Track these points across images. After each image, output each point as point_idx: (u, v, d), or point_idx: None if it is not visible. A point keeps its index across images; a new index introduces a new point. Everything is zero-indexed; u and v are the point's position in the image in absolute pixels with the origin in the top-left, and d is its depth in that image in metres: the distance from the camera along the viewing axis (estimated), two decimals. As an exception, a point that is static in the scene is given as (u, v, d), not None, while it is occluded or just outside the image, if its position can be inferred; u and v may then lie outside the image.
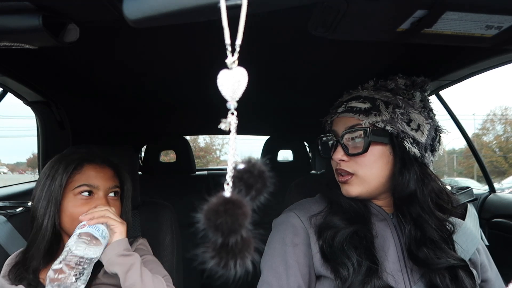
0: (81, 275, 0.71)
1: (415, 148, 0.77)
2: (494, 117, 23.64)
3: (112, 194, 0.90)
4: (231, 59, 0.28)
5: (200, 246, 0.27)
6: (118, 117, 1.78)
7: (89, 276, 0.73)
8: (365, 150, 0.76)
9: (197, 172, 2.39)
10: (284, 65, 1.14)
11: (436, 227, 0.76)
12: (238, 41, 0.28)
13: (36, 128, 1.49)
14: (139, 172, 2.17)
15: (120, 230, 0.82)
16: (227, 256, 0.26)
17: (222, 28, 0.28)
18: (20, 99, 1.34)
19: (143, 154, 2.29)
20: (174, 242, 1.11)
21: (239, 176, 0.27)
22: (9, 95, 1.29)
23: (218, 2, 0.29)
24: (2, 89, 1.26)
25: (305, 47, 0.97)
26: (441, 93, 1.39)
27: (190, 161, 2.27)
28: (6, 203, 1.10)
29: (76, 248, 0.72)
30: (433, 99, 1.39)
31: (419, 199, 0.76)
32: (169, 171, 2.25)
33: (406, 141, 0.77)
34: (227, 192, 0.27)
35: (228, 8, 0.29)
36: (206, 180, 2.29)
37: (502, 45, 0.62)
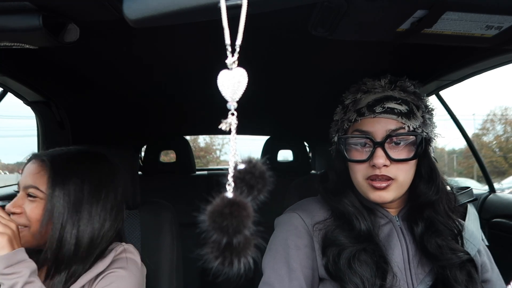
0: None
1: (433, 153, 0.78)
2: (494, 117, 23.65)
3: (29, 194, 0.78)
4: (231, 59, 0.28)
5: (203, 246, 0.27)
6: (118, 117, 1.78)
7: None
8: (418, 156, 0.74)
9: (197, 172, 2.39)
10: (284, 65, 1.14)
11: (447, 226, 0.77)
12: (238, 41, 0.28)
13: (36, 128, 1.49)
14: (139, 172, 2.17)
15: (0, 243, 0.68)
16: (231, 255, 0.27)
17: (222, 28, 0.28)
18: (20, 99, 1.34)
19: (143, 154, 2.29)
20: (174, 242, 1.11)
21: (240, 176, 0.28)
22: (9, 95, 1.29)
23: (218, 2, 0.29)
24: (2, 89, 1.26)
25: (305, 47, 0.97)
26: (441, 93, 1.39)
27: (190, 161, 2.26)
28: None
29: None
30: (433, 99, 1.40)
31: (436, 205, 0.77)
32: (169, 171, 2.25)
33: (431, 146, 0.78)
34: (230, 193, 0.27)
35: (228, 8, 0.29)
36: (206, 180, 2.29)
37: (502, 45, 0.62)
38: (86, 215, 0.79)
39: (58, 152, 0.84)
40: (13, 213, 0.76)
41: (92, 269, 0.78)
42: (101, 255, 0.81)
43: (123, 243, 0.87)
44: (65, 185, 0.77)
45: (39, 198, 0.77)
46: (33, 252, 0.75)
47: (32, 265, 0.71)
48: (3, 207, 0.77)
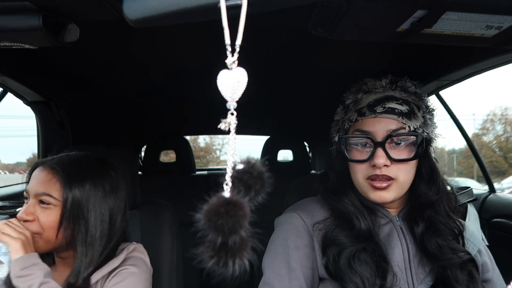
0: None
1: (433, 153, 0.79)
2: (494, 117, 23.65)
3: (42, 201, 0.78)
4: (231, 59, 0.28)
5: (200, 246, 0.27)
6: (118, 117, 1.78)
7: None
8: (418, 156, 0.75)
9: (197, 172, 2.39)
10: (284, 65, 1.14)
11: (448, 226, 0.77)
12: (238, 41, 0.28)
13: (36, 128, 1.49)
14: (139, 172, 2.17)
15: (14, 248, 0.71)
16: (226, 256, 0.26)
17: (222, 28, 0.28)
18: (20, 99, 1.34)
19: (143, 154, 2.29)
20: (174, 242, 1.11)
21: (238, 176, 0.27)
22: (9, 95, 1.29)
23: (218, 2, 0.29)
24: (2, 89, 1.26)
25: (305, 47, 0.97)
26: (441, 93, 1.39)
27: (190, 161, 2.27)
28: (6, 203, 1.10)
29: None
30: (433, 99, 1.40)
31: (437, 205, 0.77)
32: (169, 171, 2.25)
33: (431, 146, 0.78)
34: (227, 192, 0.27)
35: (228, 8, 0.29)
36: (206, 180, 2.29)
37: (502, 45, 0.62)
38: (106, 212, 0.83)
39: (66, 158, 0.84)
40: (26, 221, 0.77)
41: (106, 266, 0.81)
42: (113, 254, 0.84)
43: (134, 242, 0.90)
44: (80, 191, 0.79)
45: (52, 205, 0.78)
46: (44, 256, 0.78)
47: (46, 267, 0.74)
48: (15, 216, 0.78)
